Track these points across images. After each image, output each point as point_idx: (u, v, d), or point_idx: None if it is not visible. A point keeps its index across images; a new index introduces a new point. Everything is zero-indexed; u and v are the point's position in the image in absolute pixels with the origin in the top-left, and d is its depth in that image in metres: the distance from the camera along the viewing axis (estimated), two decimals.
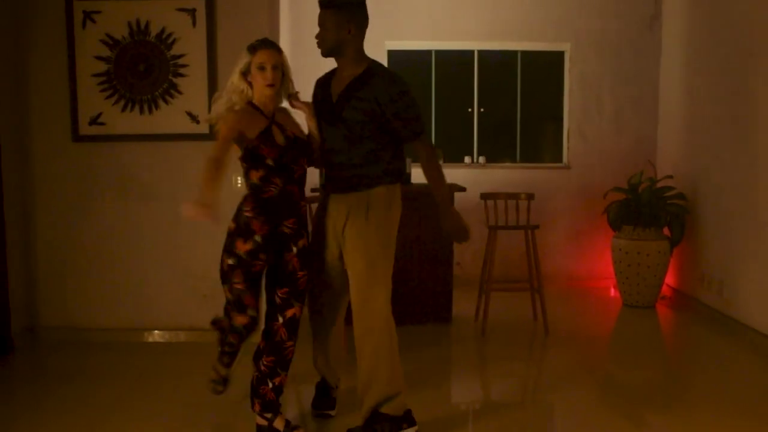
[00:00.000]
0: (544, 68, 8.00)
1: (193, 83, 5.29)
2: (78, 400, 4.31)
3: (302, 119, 3.83)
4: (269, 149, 3.59)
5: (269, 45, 3.65)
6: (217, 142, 3.56)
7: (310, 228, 3.89)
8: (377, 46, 7.75)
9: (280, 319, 3.71)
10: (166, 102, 5.32)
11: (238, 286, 3.60)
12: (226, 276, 3.63)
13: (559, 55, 7.89)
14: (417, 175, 6.25)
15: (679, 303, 6.84)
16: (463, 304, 6.30)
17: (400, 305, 5.93)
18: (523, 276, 6.21)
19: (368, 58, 3.79)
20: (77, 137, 5.35)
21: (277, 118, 3.70)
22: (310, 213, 4.02)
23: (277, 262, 3.70)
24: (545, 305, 5.78)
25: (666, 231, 6.74)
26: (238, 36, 5.26)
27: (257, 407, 3.75)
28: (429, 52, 7.97)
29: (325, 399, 4.14)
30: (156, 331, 5.49)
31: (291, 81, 3.76)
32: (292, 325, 3.72)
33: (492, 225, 5.89)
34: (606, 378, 4.97)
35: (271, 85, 3.61)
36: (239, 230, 3.62)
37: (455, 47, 7.83)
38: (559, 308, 6.45)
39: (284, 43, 6.35)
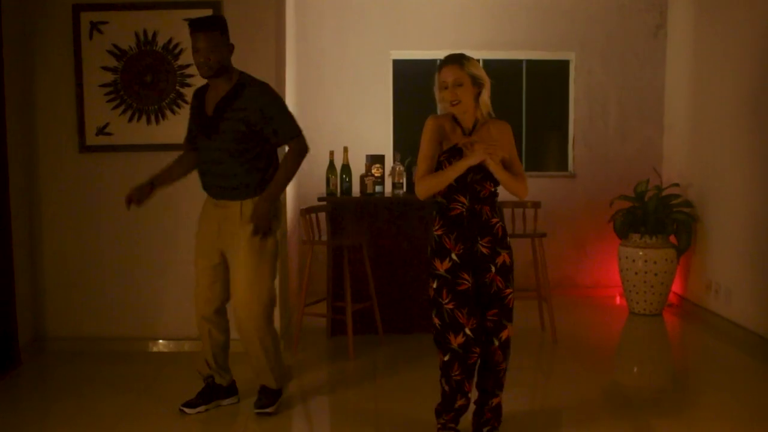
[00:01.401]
0: (550, 77, 8.00)
1: None
2: (85, 411, 4.31)
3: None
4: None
5: (449, 61, 3.67)
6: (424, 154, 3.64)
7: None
8: (382, 55, 7.78)
9: (496, 342, 3.69)
10: (173, 112, 5.33)
11: (449, 306, 3.59)
12: (434, 301, 3.65)
13: (564, 64, 7.90)
14: None
15: (686, 311, 6.83)
16: None
17: (407, 315, 5.95)
18: (530, 284, 6.21)
19: (237, 70, 4.03)
20: (84, 147, 5.37)
21: (475, 136, 3.64)
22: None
23: (478, 282, 3.66)
24: (553, 314, 5.77)
25: (673, 239, 6.73)
26: (245, 46, 5.27)
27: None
28: (434, 61, 7.98)
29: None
30: (161, 341, 5.49)
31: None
32: (506, 347, 3.72)
33: None
34: (613, 386, 4.96)
35: (455, 104, 3.61)
36: (434, 249, 3.68)
37: None
38: (566, 317, 6.44)
39: (289, 56, 6.36)
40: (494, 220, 3.67)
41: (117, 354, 5.37)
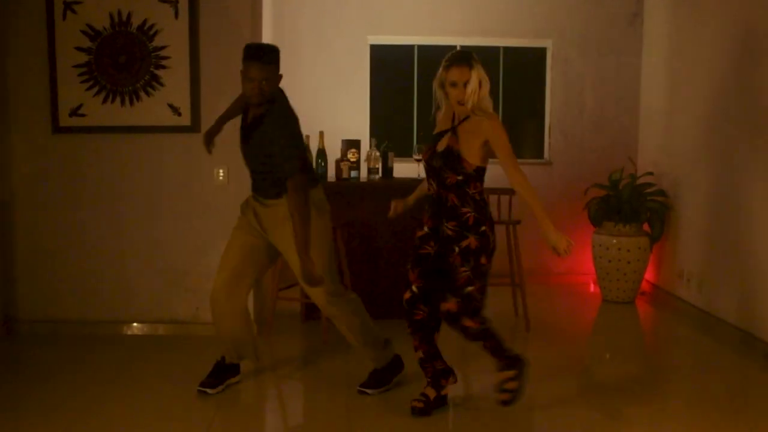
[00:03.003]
0: (527, 65, 8.02)
1: (174, 75, 5.26)
2: (57, 394, 4.28)
3: None
4: (425, 152, 3.95)
5: (459, 61, 3.79)
6: None
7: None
8: (359, 40, 7.76)
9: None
10: (148, 94, 5.28)
11: (408, 266, 4.01)
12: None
13: (541, 52, 7.92)
14: (401, 169, 6.27)
15: (658, 299, 6.89)
16: None
17: (381, 300, 5.96)
18: (504, 271, 6.22)
19: (274, 95, 4.02)
20: (57, 128, 5.31)
21: (461, 127, 3.85)
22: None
23: (443, 261, 3.89)
24: (526, 300, 5.80)
25: (646, 227, 6.78)
26: (221, 29, 5.25)
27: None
28: (412, 47, 7.97)
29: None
30: (135, 324, 5.46)
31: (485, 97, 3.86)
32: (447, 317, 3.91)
33: None
34: (585, 372, 5.01)
35: (462, 103, 3.79)
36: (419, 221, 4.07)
37: (438, 42, 7.84)
38: (540, 303, 6.47)
39: (266, 40, 6.32)
40: (464, 210, 3.84)
41: (90, 337, 5.34)
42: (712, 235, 5.92)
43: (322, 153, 5.78)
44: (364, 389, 4.28)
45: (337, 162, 5.87)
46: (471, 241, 3.82)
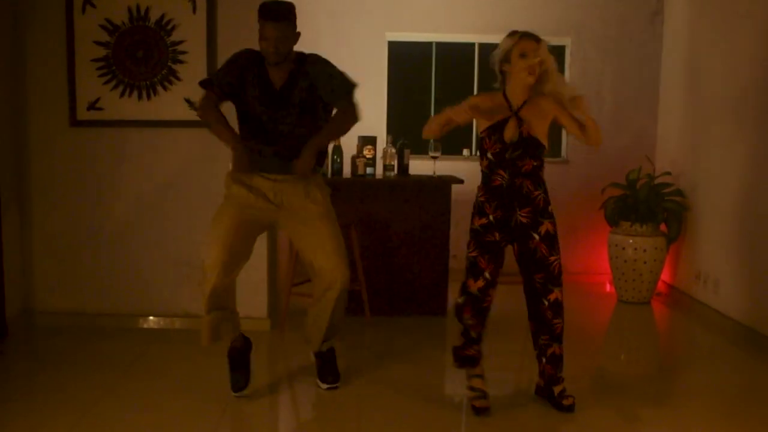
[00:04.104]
0: None
1: (192, 70, 5.27)
2: (71, 384, 4.31)
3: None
4: (492, 144, 3.83)
5: (531, 37, 3.75)
6: (459, 106, 3.76)
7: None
8: (378, 37, 7.75)
9: (546, 303, 3.96)
10: (165, 88, 5.31)
11: (473, 254, 3.92)
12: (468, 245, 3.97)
13: (559, 50, 7.87)
14: (416, 166, 6.26)
15: (674, 300, 6.85)
16: None
17: (395, 297, 5.96)
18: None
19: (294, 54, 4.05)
20: (75, 122, 5.34)
21: (523, 112, 3.83)
22: None
23: (522, 249, 3.94)
24: None
25: (663, 227, 6.74)
26: (239, 23, 5.25)
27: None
28: (430, 44, 7.95)
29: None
30: (151, 318, 5.49)
31: (561, 78, 3.87)
32: (556, 306, 3.96)
33: None
34: (599, 373, 4.98)
35: (532, 73, 3.73)
36: (475, 209, 3.98)
37: (456, 39, 7.82)
38: None
39: None
40: (536, 193, 3.90)
41: (106, 329, 5.37)
42: (730, 236, 5.87)
43: (337, 149, 5.78)
44: (332, 385, 4.28)
45: (353, 158, 5.86)
46: (547, 226, 3.91)
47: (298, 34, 3.96)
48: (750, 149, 5.56)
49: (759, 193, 5.40)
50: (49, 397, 4.13)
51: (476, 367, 4.05)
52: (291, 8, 3.93)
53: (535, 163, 3.87)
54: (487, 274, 3.91)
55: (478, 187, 4.01)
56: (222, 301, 4.09)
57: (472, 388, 4.03)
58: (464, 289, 3.96)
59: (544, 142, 3.88)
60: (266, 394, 4.27)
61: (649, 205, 6.60)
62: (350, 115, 4.02)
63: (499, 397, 4.18)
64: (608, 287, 7.31)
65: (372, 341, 5.39)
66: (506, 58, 3.79)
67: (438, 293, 6.00)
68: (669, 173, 6.89)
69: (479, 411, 3.94)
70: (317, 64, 4.03)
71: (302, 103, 3.99)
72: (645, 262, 6.56)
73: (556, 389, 4.04)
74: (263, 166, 4.04)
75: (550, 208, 3.96)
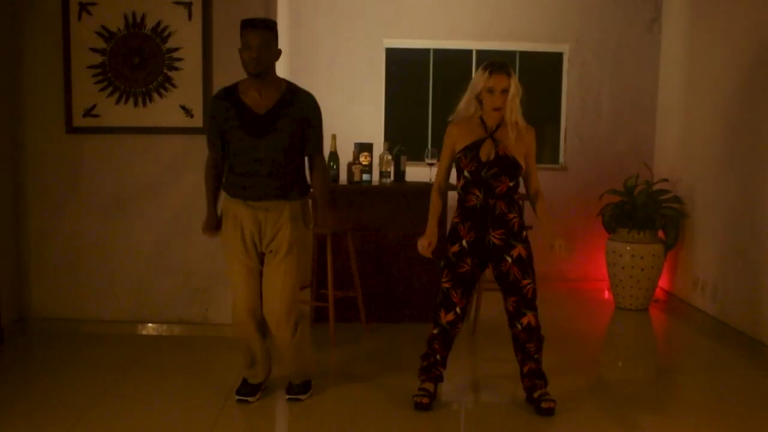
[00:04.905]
0: (543, 69, 7.98)
1: (187, 77, 5.28)
2: (66, 389, 4.32)
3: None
4: (468, 162, 3.94)
5: (499, 69, 3.88)
6: (440, 163, 4.12)
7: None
8: (375, 43, 7.76)
9: (518, 326, 4.07)
10: (161, 95, 5.31)
11: (446, 285, 4.04)
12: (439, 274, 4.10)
13: (557, 56, 7.88)
14: (413, 173, 6.26)
15: (672, 306, 6.83)
16: None
17: (391, 304, 5.95)
18: None
19: (281, 78, 4.11)
20: (71, 129, 5.34)
21: (499, 134, 3.96)
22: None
23: (496, 271, 4.03)
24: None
25: (661, 234, 6.73)
26: (234, 31, 5.17)
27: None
28: (427, 51, 7.96)
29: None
30: (149, 324, 5.48)
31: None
32: (529, 330, 4.06)
33: None
34: (597, 380, 4.96)
35: (497, 109, 3.90)
36: (449, 234, 4.08)
37: (453, 46, 7.83)
38: (552, 309, 6.42)
39: (282, 43, 6.31)
40: (510, 216, 3.98)
41: (103, 336, 5.37)
42: (727, 243, 5.86)
43: (334, 156, 5.77)
44: (296, 396, 4.27)
45: (349, 165, 5.86)
46: (520, 250, 3.99)
47: (280, 51, 4.00)
48: (747, 156, 5.55)
49: (756, 200, 5.39)
50: (44, 403, 4.12)
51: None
52: (273, 22, 3.98)
53: (510, 184, 3.96)
54: (458, 309, 4.05)
55: (456, 208, 4.09)
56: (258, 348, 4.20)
57: (422, 389, 4.14)
58: (436, 321, 4.11)
59: (522, 162, 3.97)
60: (260, 401, 4.26)
61: (647, 211, 6.59)
62: (327, 171, 4.23)
63: (494, 404, 4.18)
64: (606, 294, 7.30)
65: (367, 348, 5.38)
66: (477, 92, 3.94)
67: (434, 300, 5.96)
68: (667, 180, 6.88)
69: (420, 406, 4.05)
70: (312, 105, 4.06)
71: (292, 136, 3.97)
72: (642, 269, 6.55)
73: (536, 394, 4.09)
74: (247, 195, 4.01)
75: (524, 233, 4.05)
